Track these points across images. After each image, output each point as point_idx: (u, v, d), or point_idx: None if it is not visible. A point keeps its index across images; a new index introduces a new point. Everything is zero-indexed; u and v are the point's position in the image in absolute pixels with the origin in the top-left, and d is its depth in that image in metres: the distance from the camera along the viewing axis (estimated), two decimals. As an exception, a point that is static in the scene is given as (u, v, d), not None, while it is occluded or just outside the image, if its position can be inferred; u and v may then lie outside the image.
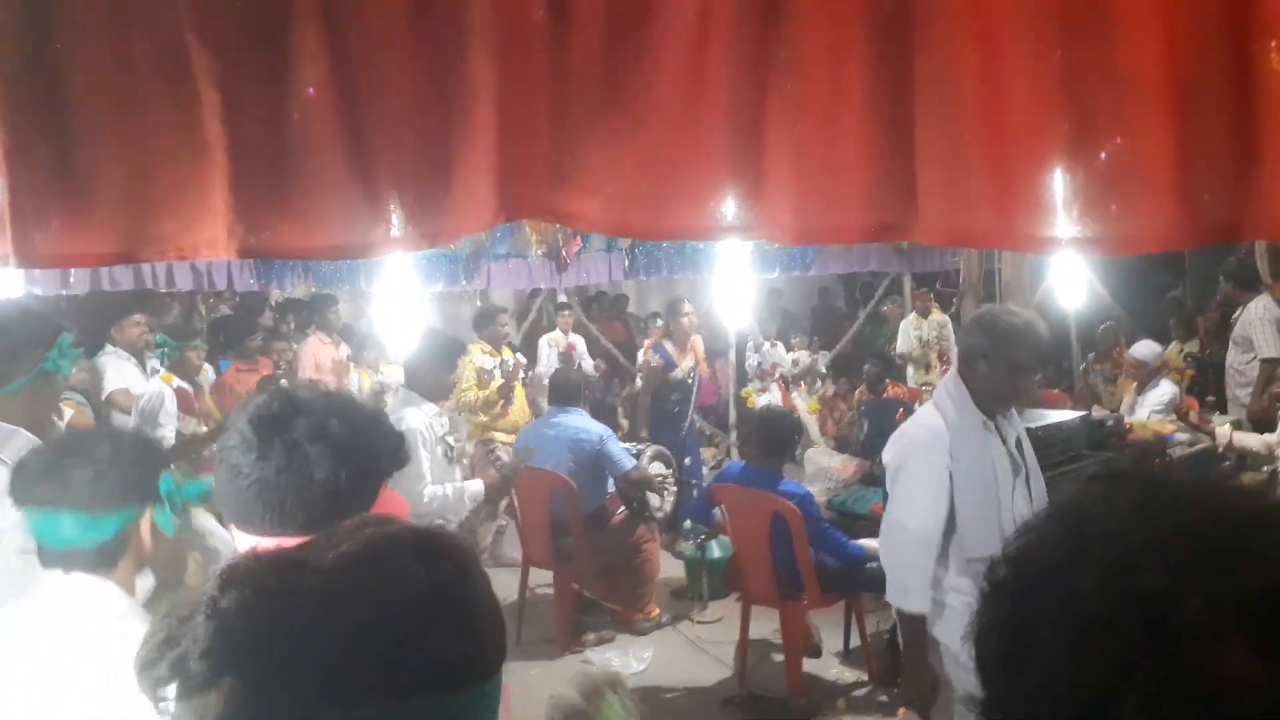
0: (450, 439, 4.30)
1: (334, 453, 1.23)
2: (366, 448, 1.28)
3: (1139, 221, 1.41)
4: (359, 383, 7.16)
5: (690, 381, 7.04)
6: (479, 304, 7.95)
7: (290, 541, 1.12)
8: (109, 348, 5.87)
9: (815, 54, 1.57)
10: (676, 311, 7.14)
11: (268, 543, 1.20)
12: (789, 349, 9.35)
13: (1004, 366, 2.73)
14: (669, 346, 7.13)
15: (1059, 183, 1.44)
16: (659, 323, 7.56)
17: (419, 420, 4.14)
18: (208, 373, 6.69)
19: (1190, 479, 0.67)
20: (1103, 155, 1.41)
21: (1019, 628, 0.62)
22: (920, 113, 1.53)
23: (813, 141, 1.59)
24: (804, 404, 8.65)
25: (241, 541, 1.26)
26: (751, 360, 9.18)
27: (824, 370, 9.07)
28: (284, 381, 6.24)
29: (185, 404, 5.24)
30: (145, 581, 1.77)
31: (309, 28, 1.63)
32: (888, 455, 2.96)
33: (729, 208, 1.66)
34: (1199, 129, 1.37)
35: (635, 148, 1.66)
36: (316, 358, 7.00)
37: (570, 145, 1.69)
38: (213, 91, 1.64)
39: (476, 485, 4.37)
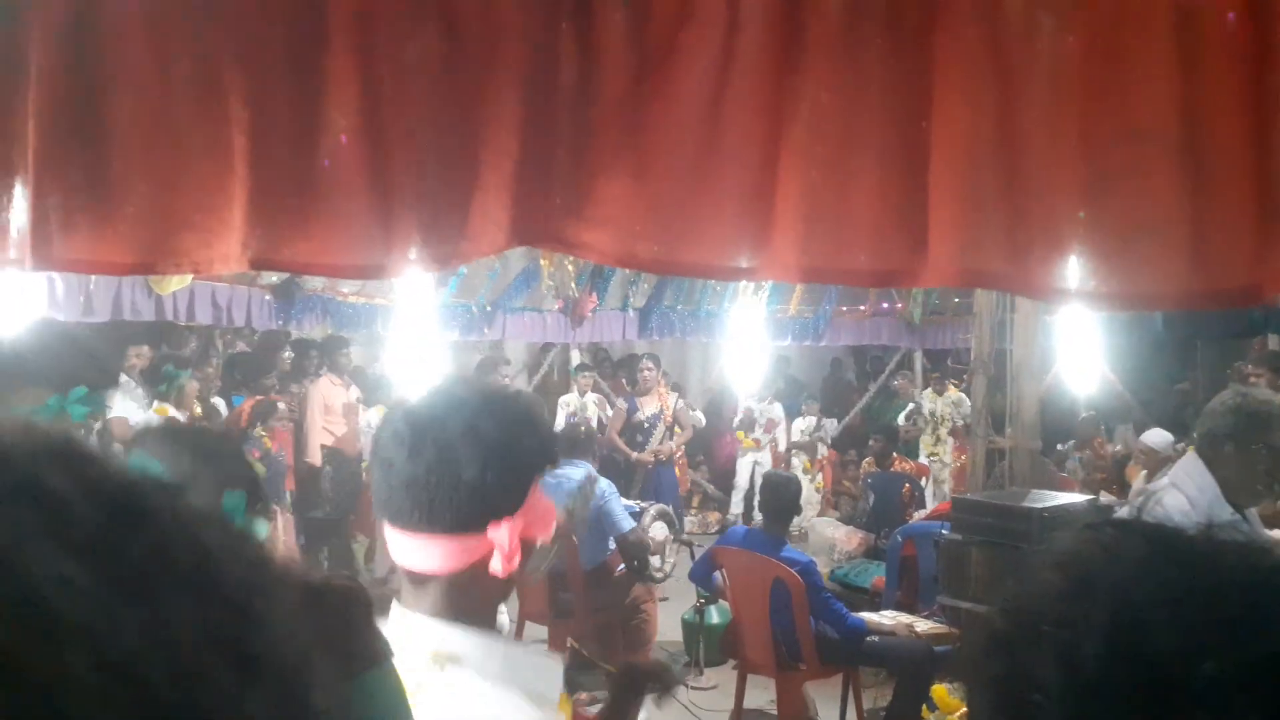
0: None
1: (483, 452, 1.20)
2: (517, 448, 1.25)
3: (1152, 278, 1.41)
4: (376, 421, 7.19)
5: (649, 426, 8.04)
6: (487, 354, 8.05)
7: (438, 539, 1.19)
8: (121, 376, 5.92)
9: (832, 99, 1.58)
10: (639, 368, 8.14)
11: (413, 539, 1.21)
12: (799, 415, 9.35)
13: (1260, 451, 2.51)
14: (635, 397, 8.17)
15: (1072, 233, 1.44)
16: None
17: None
18: (220, 407, 6.73)
19: (1192, 530, 0.63)
20: (1116, 207, 1.42)
21: (1016, 686, 0.59)
22: (935, 160, 1.54)
23: (824, 186, 1.60)
24: (800, 467, 8.65)
25: (389, 536, 1.25)
26: (746, 410, 9.22)
27: (828, 438, 9.05)
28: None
29: None
30: None
31: (340, 52, 1.66)
32: None
33: (737, 246, 1.66)
34: (1215, 188, 1.38)
35: (648, 183, 1.67)
36: (326, 398, 7.03)
37: (585, 177, 1.71)
38: (242, 109, 1.67)
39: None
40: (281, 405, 6.43)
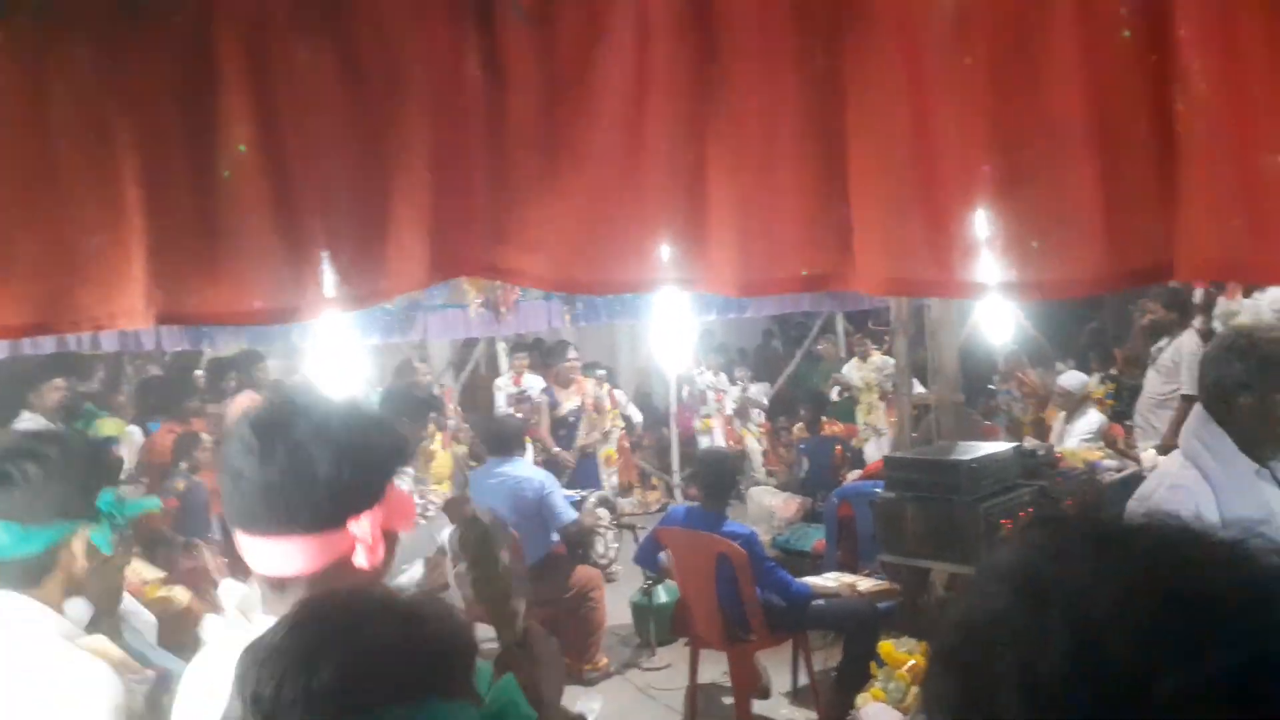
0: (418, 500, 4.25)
1: (336, 451, 1.22)
2: (369, 445, 1.27)
3: (1070, 266, 1.45)
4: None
5: (573, 420, 7.94)
6: (404, 357, 7.93)
7: (298, 539, 1.20)
8: (25, 414, 5.66)
9: (750, 108, 1.58)
10: (560, 356, 8.02)
11: (272, 544, 1.21)
12: (733, 383, 9.43)
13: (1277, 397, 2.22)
14: (554, 389, 8.00)
15: (991, 230, 1.47)
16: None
17: None
18: (135, 435, 6.49)
19: (1136, 525, 0.62)
20: (1032, 202, 1.44)
21: (970, 704, 0.58)
22: (854, 164, 1.56)
23: (751, 194, 1.60)
24: (749, 435, 8.73)
25: (246, 545, 1.24)
26: (691, 386, 9.25)
27: (765, 402, 9.15)
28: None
29: None
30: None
31: (234, 89, 1.60)
32: None
33: (672, 261, 1.66)
34: (1124, 175, 1.41)
35: (576, 203, 1.66)
36: (246, 416, 6.83)
37: (510, 202, 1.68)
38: (132, 154, 1.59)
39: (416, 572, 4.28)
40: (205, 435, 6.21)
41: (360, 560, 1.24)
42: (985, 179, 1.45)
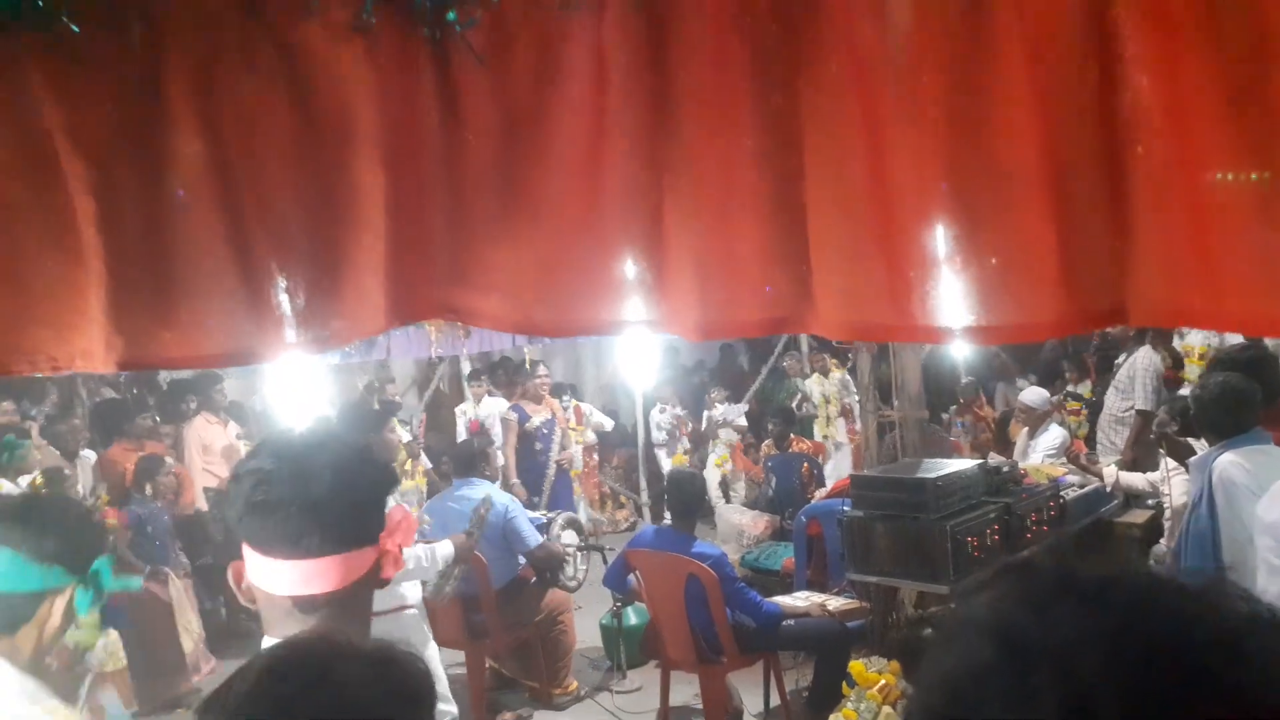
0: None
1: (364, 475, 1.36)
2: (380, 469, 1.42)
3: (1026, 310, 1.46)
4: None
5: (546, 431, 7.92)
6: (369, 379, 7.85)
7: (332, 560, 1.29)
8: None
9: (706, 151, 1.59)
10: (532, 373, 8.00)
11: (310, 564, 1.29)
12: (710, 406, 9.43)
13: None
14: (524, 404, 7.98)
15: (948, 275, 1.47)
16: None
17: None
18: (88, 459, 6.36)
19: (1109, 575, 0.62)
20: (988, 246, 1.45)
21: None
22: (811, 208, 1.56)
23: (709, 237, 1.61)
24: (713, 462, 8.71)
25: (274, 569, 1.31)
26: (658, 419, 9.24)
27: (743, 422, 9.15)
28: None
29: None
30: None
31: (185, 132, 1.58)
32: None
33: (632, 304, 1.67)
34: (1078, 220, 1.43)
35: (534, 246, 1.66)
36: (203, 438, 6.73)
37: (467, 244, 1.68)
38: (85, 197, 1.57)
39: (447, 547, 4.35)
40: (169, 460, 6.10)
41: (387, 572, 1.37)
42: (940, 224, 1.46)
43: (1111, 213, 1.40)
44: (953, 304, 1.47)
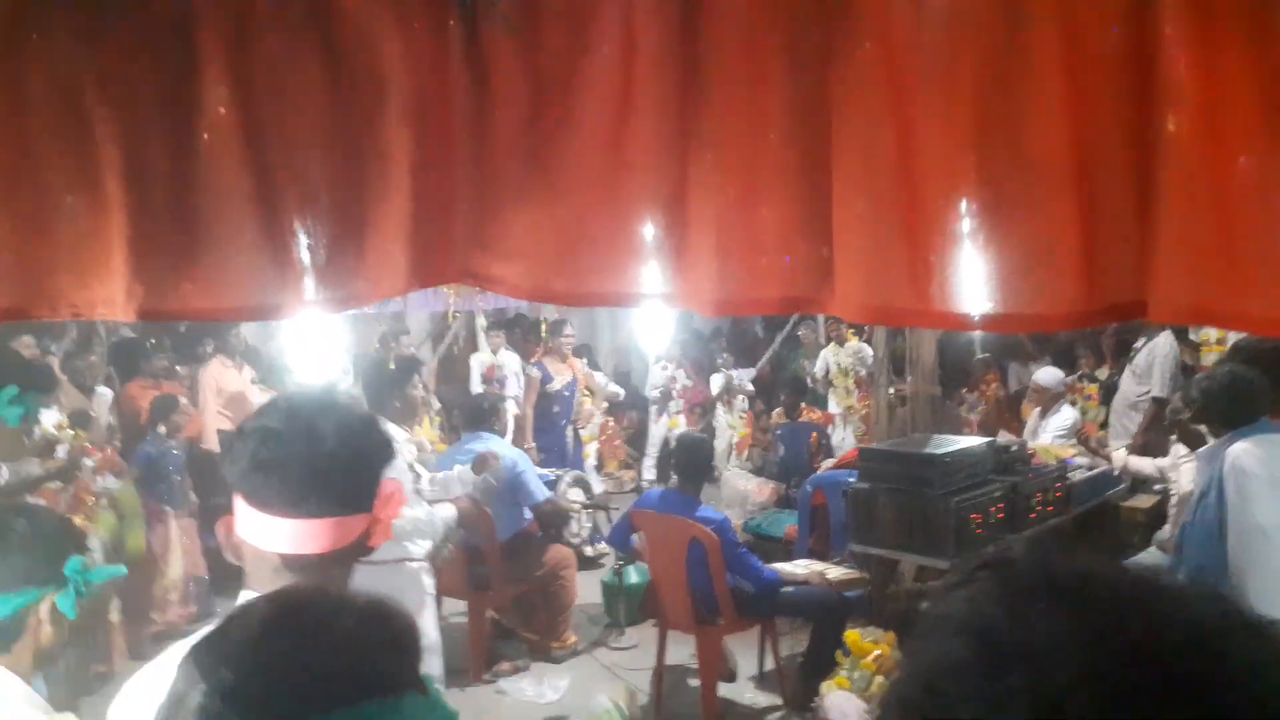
0: (417, 467, 4.22)
1: (369, 441, 1.38)
2: (374, 444, 1.41)
3: (1046, 301, 1.46)
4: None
5: (567, 394, 7.74)
6: (386, 327, 7.85)
7: (328, 521, 1.32)
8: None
9: (733, 128, 1.58)
10: (558, 332, 7.78)
11: (306, 524, 1.31)
12: (719, 369, 9.43)
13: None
14: (548, 363, 7.76)
15: (970, 263, 1.47)
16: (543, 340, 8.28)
17: None
18: (105, 396, 6.42)
19: (1089, 574, 0.63)
20: (1011, 235, 1.45)
21: None
22: (836, 190, 1.56)
23: (732, 215, 1.60)
24: (728, 424, 8.73)
25: (269, 525, 1.33)
26: (657, 376, 9.25)
27: (750, 388, 9.15)
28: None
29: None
30: None
31: (216, 86, 1.58)
32: None
33: (651, 277, 1.67)
34: (1103, 214, 1.42)
35: (556, 215, 1.66)
36: (218, 381, 6.77)
37: (490, 211, 1.68)
38: (112, 147, 1.58)
39: (450, 510, 4.31)
40: (183, 399, 6.15)
41: (375, 540, 1.38)
42: (966, 210, 1.45)
43: (1138, 208, 1.39)
44: (973, 291, 1.47)
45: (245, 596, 1.32)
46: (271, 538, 1.33)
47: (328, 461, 1.32)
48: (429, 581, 4.12)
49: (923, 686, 0.61)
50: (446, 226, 1.68)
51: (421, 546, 4.09)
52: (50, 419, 4.71)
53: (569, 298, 1.75)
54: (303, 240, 1.64)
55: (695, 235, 1.63)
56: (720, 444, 8.71)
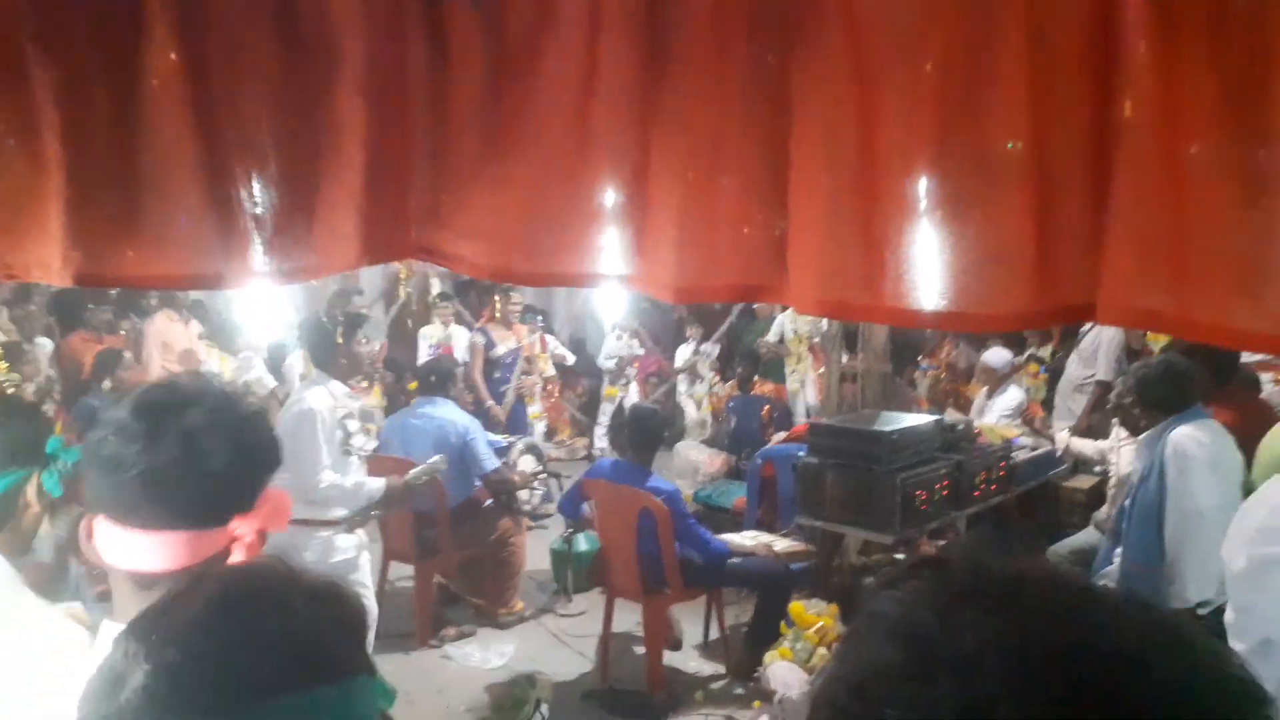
0: (351, 424, 4.13)
1: (228, 445, 1.19)
2: (257, 441, 1.24)
3: (997, 300, 1.46)
4: (217, 364, 6.82)
5: (510, 360, 7.73)
6: (341, 286, 7.71)
7: (175, 535, 1.15)
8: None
9: (695, 112, 1.57)
10: (499, 297, 7.72)
11: (149, 538, 1.15)
12: (684, 342, 9.44)
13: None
14: (492, 329, 7.75)
15: (924, 260, 1.47)
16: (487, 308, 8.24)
17: (322, 402, 3.99)
18: (45, 346, 6.26)
19: (1022, 576, 0.63)
20: (966, 234, 1.45)
21: None
22: (794, 180, 1.55)
23: (691, 198, 1.59)
24: (692, 398, 8.75)
25: (114, 535, 1.18)
26: (612, 346, 9.24)
27: (710, 362, 9.19)
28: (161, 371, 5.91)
29: None
30: None
31: (163, 46, 1.52)
32: None
33: (610, 260, 1.66)
34: (1058, 215, 1.43)
35: (515, 193, 1.63)
36: (164, 335, 6.62)
37: (448, 187, 1.64)
38: (49, 106, 1.51)
39: (378, 484, 4.23)
40: (128, 354, 5.99)
41: (236, 558, 1.20)
42: (921, 207, 1.45)
43: (1091, 212, 1.40)
44: (925, 288, 1.47)
45: (109, 627, 1.18)
46: (113, 550, 1.18)
47: (168, 464, 1.14)
48: (345, 544, 4.02)
49: (852, 689, 0.62)
50: (401, 201, 1.65)
51: (336, 513, 4.01)
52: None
53: (528, 278, 1.72)
54: (250, 209, 1.58)
55: (654, 218, 1.62)
56: (690, 418, 8.76)
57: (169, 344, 6.57)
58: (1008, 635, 0.58)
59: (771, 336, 8.70)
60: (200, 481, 1.17)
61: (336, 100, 1.57)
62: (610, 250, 1.65)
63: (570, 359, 8.90)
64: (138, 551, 1.16)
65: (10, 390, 4.94)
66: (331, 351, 4.28)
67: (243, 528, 1.20)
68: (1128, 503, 3.91)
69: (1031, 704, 0.55)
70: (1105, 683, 0.56)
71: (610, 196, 1.63)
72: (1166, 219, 1.33)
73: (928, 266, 1.46)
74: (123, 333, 6.76)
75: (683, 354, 9.30)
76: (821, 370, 7.76)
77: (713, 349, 9.29)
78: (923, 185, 1.44)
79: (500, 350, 7.67)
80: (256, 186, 1.59)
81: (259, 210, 1.59)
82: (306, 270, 1.64)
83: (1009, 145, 1.38)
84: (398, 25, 1.58)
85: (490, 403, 7.44)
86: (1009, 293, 1.44)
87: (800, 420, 7.50)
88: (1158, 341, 6.03)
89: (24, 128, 1.54)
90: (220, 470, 1.18)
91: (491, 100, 1.61)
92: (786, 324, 8.56)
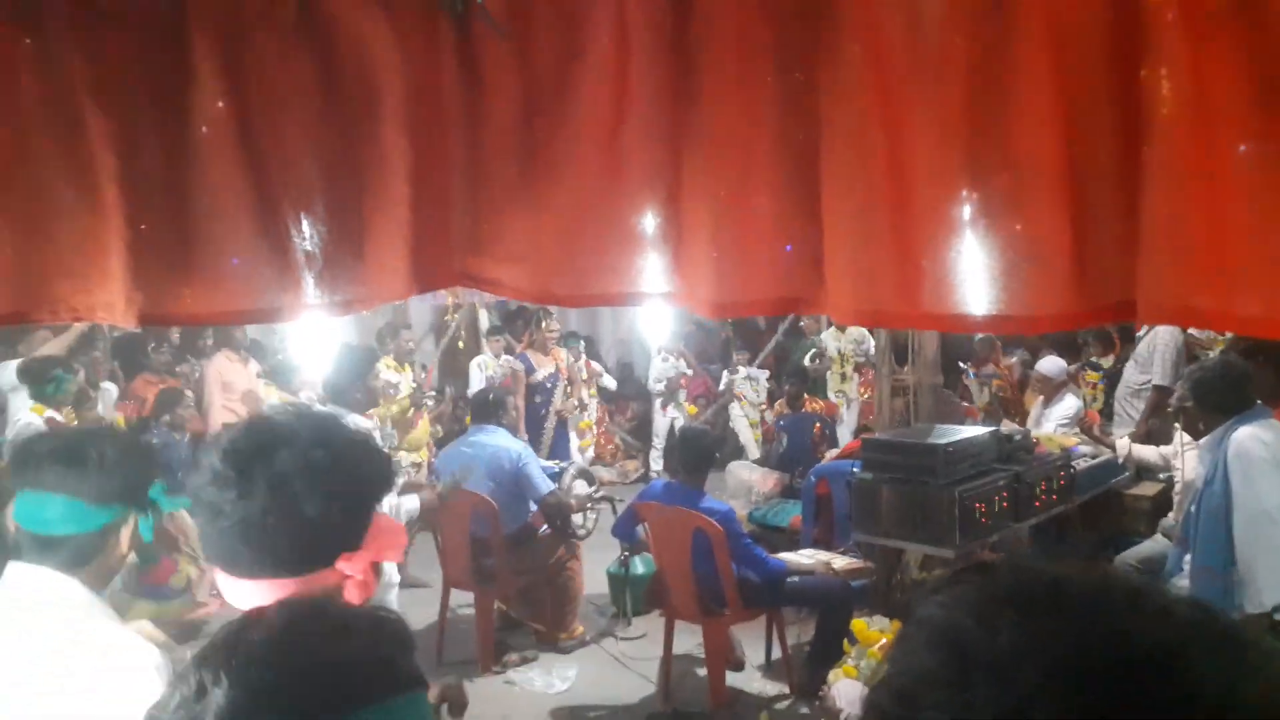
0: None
1: (323, 485, 1.12)
2: (356, 475, 1.17)
3: (1036, 302, 1.45)
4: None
5: (550, 385, 7.78)
6: (388, 320, 7.86)
7: (282, 582, 1.11)
8: (10, 363, 5.61)
9: (726, 129, 1.59)
10: (541, 324, 7.82)
11: (255, 586, 1.12)
12: (731, 367, 9.45)
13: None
14: (530, 354, 7.84)
15: (960, 265, 1.47)
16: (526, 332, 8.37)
17: None
18: (110, 391, 6.45)
19: (1063, 579, 0.63)
20: (1001, 238, 1.45)
21: None
22: (826, 191, 1.56)
23: (725, 215, 1.61)
24: (746, 418, 8.75)
25: (226, 585, 1.15)
26: (659, 369, 9.27)
27: (765, 383, 9.18)
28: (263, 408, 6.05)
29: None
30: None
31: (211, 92, 1.59)
32: None
33: (648, 278, 1.68)
34: (1092, 215, 1.42)
35: (552, 217, 1.66)
36: (224, 375, 6.78)
37: (487, 214, 1.69)
38: (108, 155, 1.59)
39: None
40: (189, 393, 6.16)
41: (351, 596, 1.14)
42: (955, 212, 1.45)
43: (1127, 210, 1.39)
44: (962, 293, 1.47)
45: None
46: (228, 593, 1.15)
47: (261, 512, 1.09)
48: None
49: (894, 693, 0.62)
50: (443, 230, 1.69)
51: None
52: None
53: (569, 299, 1.75)
54: (299, 245, 1.64)
55: (690, 236, 1.64)
56: (744, 439, 8.76)
57: (229, 384, 6.73)
58: (1045, 637, 0.58)
59: (814, 359, 8.67)
60: (293, 528, 1.11)
61: (378, 136, 1.63)
62: (648, 269, 1.68)
63: (613, 384, 8.93)
64: (246, 596, 1.13)
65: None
66: (349, 385, 4.43)
67: (350, 566, 1.15)
68: (1193, 508, 3.81)
69: (1067, 705, 0.55)
70: (1142, 684, 0.55)
71: (646, 216, 1.66)
72: (1203, 213, 1.32)
73: (965, 272, 1.46)
74: (184, 375, 6.93)
75: (726, 379, 9.31)
76: (865, 395, 7.71)
77: (759, 373, 9.27)
78: (955, 192, 1.44)
79: (539, 375, 7.75)
80: (305, 223, 1.65)
81: (308, 246, 1.64)
82: (357, 302, 1.68)
83: (1041, 147, 1.38)
84: (434, 61, 1.64)
85: (524, 435, 7.39)
86: (1048, 294, 1.43)
87: (845, 439, 7.44)
88: (1216, 344, 5.89)
89: (83, 178, 1.62)
90: (314, 516, 1.11)
91: (526, 128, 1.65)
92: (830, 342, 8.53)
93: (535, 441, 7.49)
